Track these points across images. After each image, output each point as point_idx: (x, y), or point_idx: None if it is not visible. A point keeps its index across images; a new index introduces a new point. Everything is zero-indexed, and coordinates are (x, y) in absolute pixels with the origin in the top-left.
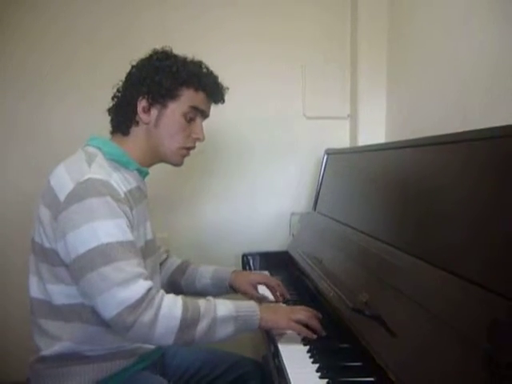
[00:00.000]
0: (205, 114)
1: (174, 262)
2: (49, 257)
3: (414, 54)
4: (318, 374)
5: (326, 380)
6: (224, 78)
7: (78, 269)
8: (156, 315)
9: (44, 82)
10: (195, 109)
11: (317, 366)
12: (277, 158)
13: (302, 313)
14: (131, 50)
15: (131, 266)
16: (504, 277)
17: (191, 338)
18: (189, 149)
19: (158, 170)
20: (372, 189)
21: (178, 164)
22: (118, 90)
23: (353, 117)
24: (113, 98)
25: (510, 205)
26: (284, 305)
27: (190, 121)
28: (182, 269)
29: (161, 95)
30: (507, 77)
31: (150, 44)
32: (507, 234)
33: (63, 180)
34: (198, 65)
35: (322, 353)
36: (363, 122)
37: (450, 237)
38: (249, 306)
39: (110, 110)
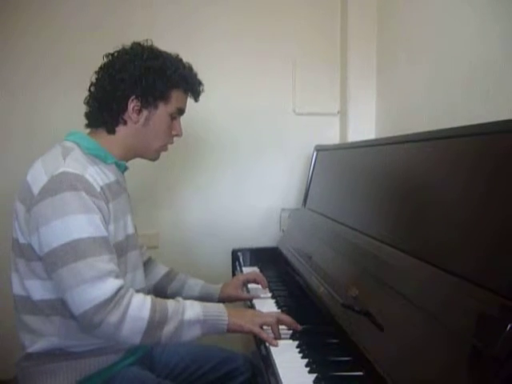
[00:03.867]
0: (184, 113)
1: (161, 270)
2: (24, 252)
3: (404, 51)
4: (307, 368)
5: (315, 375)
6: (215, 74)
7: (50, 263)
8: (123, 316)
9: (42, 78)
10: (180, 110)
11: (306, 361)
12: (267, 154)
13: (268, 319)
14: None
15: (102, 262)
16: (494, 272)
17: (157, 339)
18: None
19: (146, 166)
20: (362, 185)
21: (155, 159)
22: (97, 82)
23: (343, 113)
24: (89, 89)
25: (500, 201)
26: (278, 308)
27: (172, 120)
28: (170, 278)
29: (154, 97)
30: (497, 73)
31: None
32: (497, 229)
33: (38, 174)
34: (182, 64)
35: (311, 348)
36: (353, 118)
37: (439, 232)
38: (217, 311)
39: (88, 103)
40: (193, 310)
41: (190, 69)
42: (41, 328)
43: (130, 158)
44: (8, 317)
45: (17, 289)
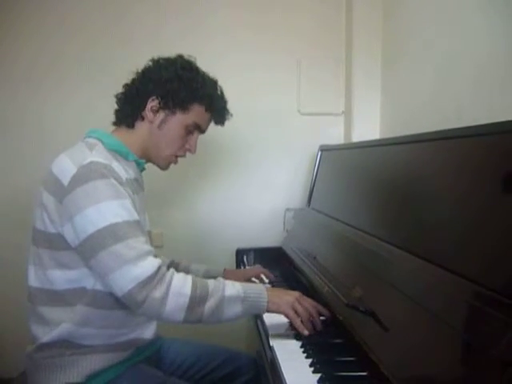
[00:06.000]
0: (203, 132)
1: (165, 260)
2: (53, 242)
3: (409, 50)
4: (311, 368)
5: (319, 375)
6: (219, 70)
7: (87, 249)
8: (167, 292)
9: (36, 75)
10: (197, 125)
11: (310, 360)
12: (271, 154)
13: (303, 308)
14: (121, 42)
15: (140, 243)
16: (500, 273)
17: (200, 316)
18: (178, 157)
19: (150, 166)
20: (366, 185)
21: (163, 168)
22: (132, 81)
23: (347, 113)
24: (124, 86)
25: (506, 201)
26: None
27: (188, 133)
28: (174, 266)
29: (173, 103)
30: (503, 72)
31: (142, 33)
32: (502, 229)
33: (65, 165)
34: (214, 85)
35: (315, 348)
36: (357, 118)
37: (444, 233)
38: (257, 289)
39: (119, 99)
40: (233, 287)
41: (222, 94)
42: (58, 318)
43: (147, 160)
44: (11, 318)
45: (34, 281)
